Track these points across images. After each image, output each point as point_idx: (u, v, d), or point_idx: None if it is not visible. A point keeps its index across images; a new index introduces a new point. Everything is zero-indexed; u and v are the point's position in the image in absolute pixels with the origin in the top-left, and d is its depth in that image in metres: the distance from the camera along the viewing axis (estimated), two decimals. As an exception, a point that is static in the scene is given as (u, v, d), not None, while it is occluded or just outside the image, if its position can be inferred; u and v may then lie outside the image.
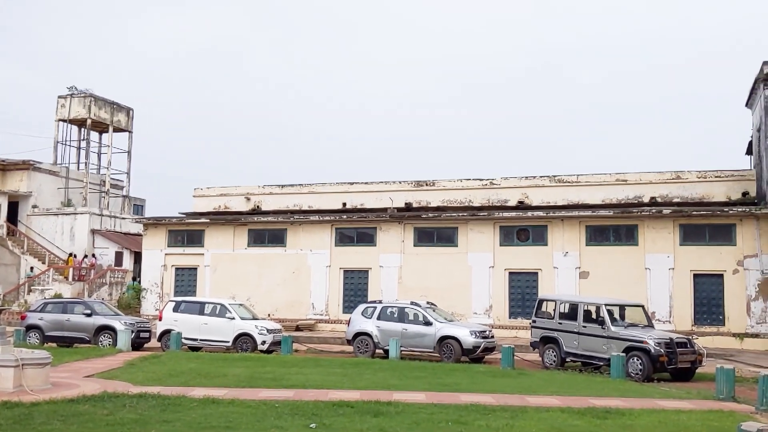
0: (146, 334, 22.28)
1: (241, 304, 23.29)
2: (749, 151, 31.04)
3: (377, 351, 20.57)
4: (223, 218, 31.90)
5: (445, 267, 28.36)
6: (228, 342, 21.35)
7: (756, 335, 24.83)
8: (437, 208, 29.73)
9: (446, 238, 28.90)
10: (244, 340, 21.21)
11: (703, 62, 74.68)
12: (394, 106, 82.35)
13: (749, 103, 29.24)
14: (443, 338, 19.78)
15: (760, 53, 67.27)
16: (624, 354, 16.30)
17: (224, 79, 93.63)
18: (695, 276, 25.84)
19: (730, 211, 25.55)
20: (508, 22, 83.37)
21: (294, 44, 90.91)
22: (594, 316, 18.15)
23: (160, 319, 22.40)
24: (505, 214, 28.05)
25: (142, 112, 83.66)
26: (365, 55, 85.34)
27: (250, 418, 9.66)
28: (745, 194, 26.82)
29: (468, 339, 19.58)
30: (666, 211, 26.16)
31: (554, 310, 19.15)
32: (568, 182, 28.72)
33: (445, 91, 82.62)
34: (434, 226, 29.10)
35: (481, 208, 29.06)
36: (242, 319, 21.66)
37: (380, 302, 21.92)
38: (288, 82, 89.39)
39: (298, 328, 27.95)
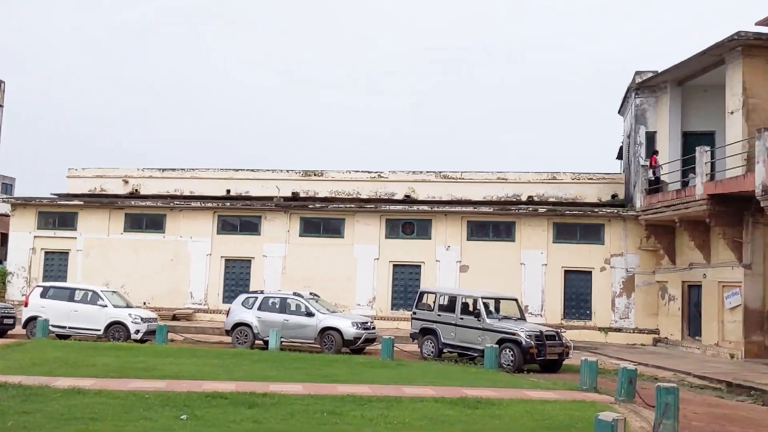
0: (10, 321, 21.03)
1: (114, 292, 22.40)
2: (620, 156, 32.93)
3: (257, 342, 20.31)
4: (99, 201, 30.46)
5: (330, 258, 28.39)
6: (99, 330, 20.46)
7: (619, 329, 26.43)
8: (325, 199, 29.67)
9: (333, 229, 28.91)
10: (116, 329, 20.37)
11: (584, 71, 78.52)
12: (286, 93, 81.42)
13: (621, 111, 30.99)
14: (325, 329, 19.79)
15: (635, 63, 71.45)
16: (497, 345, 16.89)
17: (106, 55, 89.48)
18: (566, 272, 27.20)
19: (600, 212, 27.03)
20: (413, 16, 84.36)
21: (184, 24, 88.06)
22: (471, 308, 18.71)
23: (26, 305, 21.14)
24: (392, 207, 28.40)
25: (14, 86, 78.48)
26: (259, 40, 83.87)
27: (117, 410, 9.27)
28: (614, 196, 28.42)
29: (349, 330, 19.69)
30: (541, 209, 27.34)
31: (434, 302, 19.59)
32: (453, 179, 29.41)
33: (342, 78, 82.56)
34: (321, 217, 29.04)
35: (368, 201, 29.27)
36: (115, 306, 20.82)
37: (262, 292, 21.65)
38: (179, 61, 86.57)
39: (175, 318, 27.16)
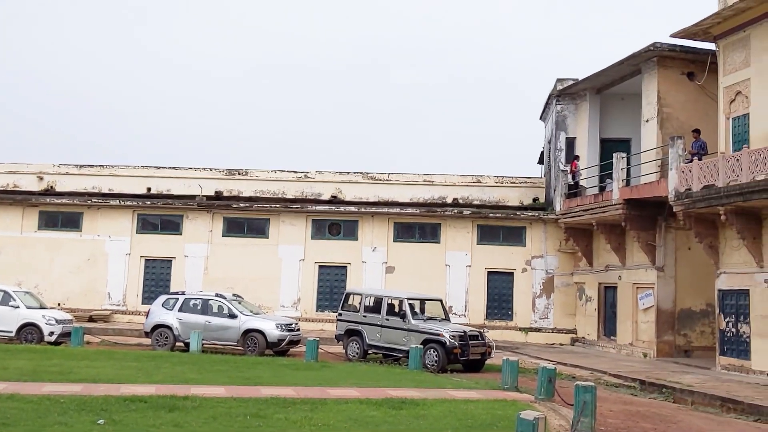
0: None
1: (27, 292, 21.47)
2: (541, 161, 33.79)
3: (178, 344, 19.84)
4: (11, 197, 29.13)
5: (254, 258, 28.04)
6: (11, 332, 19.57)
7: (539, 329, 27.13)
8: (249, 198, 29.25)
9: (257, 229, 28.57)
10: (29, 331, 19.55)
11: (510, 77, 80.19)
12: (208, 89, 79.93)
13: (543, 117, 31.82)
14: (248, 331, 19.52)
15: (556, 70, 73.38)
16: (422, 346, 17.05)
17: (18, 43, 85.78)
18: (489, 273, 27.75)
19: (522, 215, 27.68)
20: (335, 15, 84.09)
21: (96, 15, 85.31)
22: (397, 309, 18.81)
23: (-70, 307, 20.01)
24: (318, 208, 28.28)
25: None
26: (173, 34, 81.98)
27: (30, 414, 8.88)
28: (535, 200, 29.16)
29: (273, 332, 19.49)
30: (466, 212, 27.79)
31: (360, 303, 19.60)
32: (380, 180, 29.50)
33: (263, 78, 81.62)
34: (245, 217, 28.65)
35: (294, 201, 29.03)
36: (28, 307, 19.96)
37: (183, 293, 21.18)
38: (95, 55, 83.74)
39: (91, 319, 26.27)
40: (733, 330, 18.69)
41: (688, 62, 22.45)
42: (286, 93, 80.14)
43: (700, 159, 19.14)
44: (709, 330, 21.63)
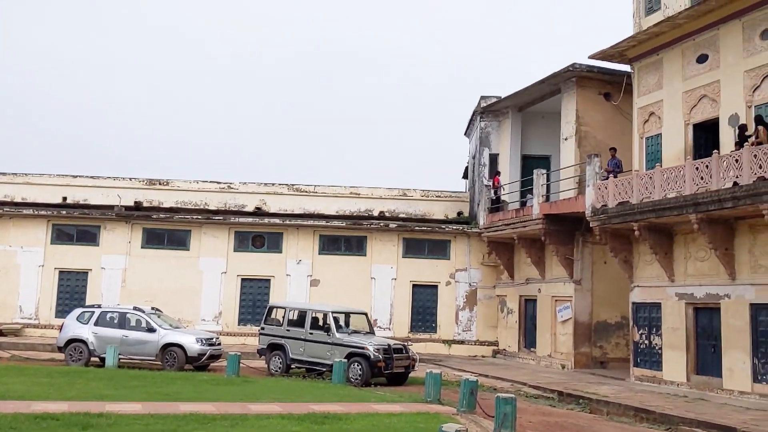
0: None
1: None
2: (465, 176, 34.37)
3: (93, 359, 19.11)
4: None
5: (175, 271, 27.35)
6: None
7: (462, 342, 27.48)
8: (170, 209, 28.54)
9: (178, 240, 27.90)
10: (-71, 347, 18.46)
11: (438, 93, 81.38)
12: (129, 96, 77.85)
13: (467, 133, 32.41)
14: (167, 345, 18.99)
15: (482, 87, 75.00)
16: (346, 360, 16.97)
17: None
18: (414, 286, 27.95)
19: (447, 229, 28.05)
20: (267, 19, 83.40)
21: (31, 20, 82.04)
22: (321, 323, 18.68)
23: None
24: (242, 220, 27.86)
25: None
26: (101, 39, 79.65)
27: (-73, 438, 8.36)
28: (459, 214, 29.59)
29: (193, 346, 19.03)
30: (392, 225, 27.95)
31: (283, 317, 19.38)
32: (306, 192, 29.33)
33: (186, 86, 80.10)
34: (165, 228, 27.94)
35: (217, 212, 28.51)
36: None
37: (99, 307, 20.45)
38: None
39: (1, 333, 25.03)
40: (646, 342, 19.39)
41: (605, 83, 23.32)
42: (211, 102, 78.87)
43: (615, 176, 19.85)
44: (624, 342, 22.38)
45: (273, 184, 29.43)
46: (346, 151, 79.41)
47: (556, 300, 23.72)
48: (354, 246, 28.18)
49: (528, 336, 25.62)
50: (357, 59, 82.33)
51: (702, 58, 18.40)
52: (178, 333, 19.50)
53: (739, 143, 16.17)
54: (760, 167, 14.85)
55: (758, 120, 16.13)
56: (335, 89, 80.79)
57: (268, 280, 27.75)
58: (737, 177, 15.41)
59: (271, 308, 20.23)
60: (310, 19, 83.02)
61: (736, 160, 15.51)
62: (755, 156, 14.98)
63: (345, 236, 28.19)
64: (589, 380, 19.42)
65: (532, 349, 25.07)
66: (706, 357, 17.61)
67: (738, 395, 16.06)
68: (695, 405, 14.95)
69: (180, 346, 18.98)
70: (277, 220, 27.88)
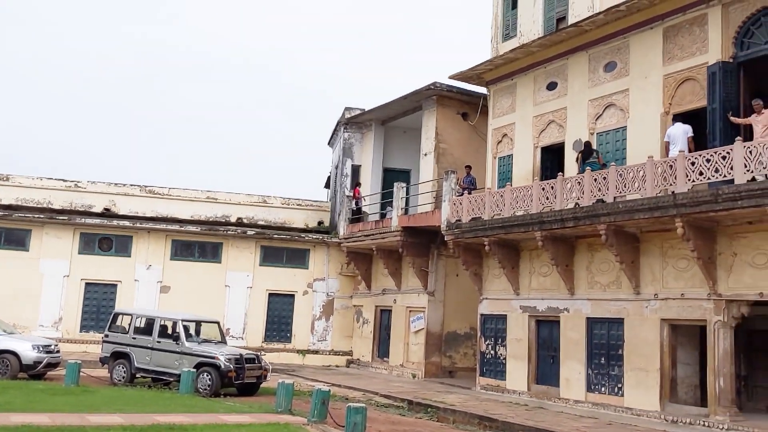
0: None
1: None
2: (327, 185, 34.49)
3: None
4: None
5: (11, 273, 25.36)
6: None
7: (316, 351, 27.43)
8: (8, 207, 26.43)
9: (16, 240, 25.94)
10: None
11: (302, 102, 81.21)
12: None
13: (331, 143, 32.56)
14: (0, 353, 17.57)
15: (346, 98, 75.59)
16: (195, 369, 16.44)
17: None
18: (270, 295, 27.58)
19: (306, 238, 27.95)
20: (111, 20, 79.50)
21: None
22: (170, 331, 18.00)
23: None
24: (89, 221, 26.32)
25: None
26: None
27: None
28: (320, 223, 29.60)
29: (29, 354, 17.73)
30: (250, 232, 27.46)
31: (130, 324, 18.49)
32: (159, 194, 28.19)
33: (32, 77, 74.94)
34: (3, 227, 25.87)
35: (61, 212, 26.74)
36: None
37: None
38: None
39: None
40: (492, 352, 20.24)
41: (464, 103, 24.25)
42: (60, 97, 74.26)
43: (470, 193, 20.64)
44: (472, 352, 23.23)
45: (124, 185, 28.06)
46: (208, 158, 77.45)
47: (410, 310, 24.24)
48: (209, 252, 27.40)
49: (382, 346, 26.00)
50: (223, 64, 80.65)
51: (552, 86, 19.56)
52: (12, 339, 18.10)
53: (581, 162, 17.32)
54: (599, 190, 15.96)
55: (587, 146, 17.38)
56: (202, 94, 78.64)
57: (115, 285, 26.38)
58: (579, 198, 16.47)
59: (116, 315, 19.25)
60: (171, 19, 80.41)
61: (579, 183, 16.58)
62: (595, 180, 16.08)
63: (199, 242, 27.35)
64: (438, 389, 19.96)
65: (385, 358, 25.45)
66: (546, 367, 18.62)
67: (573, 404, 17.09)
68: (535, 413, 15.75)
69: (13, 353, 17.62)
70: (126, 223, 26.60)
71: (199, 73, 79.68)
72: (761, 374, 16.22)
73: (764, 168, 12.82)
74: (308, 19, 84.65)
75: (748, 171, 13.03)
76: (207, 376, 16.71)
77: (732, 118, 14.53)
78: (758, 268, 13.80)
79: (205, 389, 16.51)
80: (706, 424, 14.06)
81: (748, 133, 14.17)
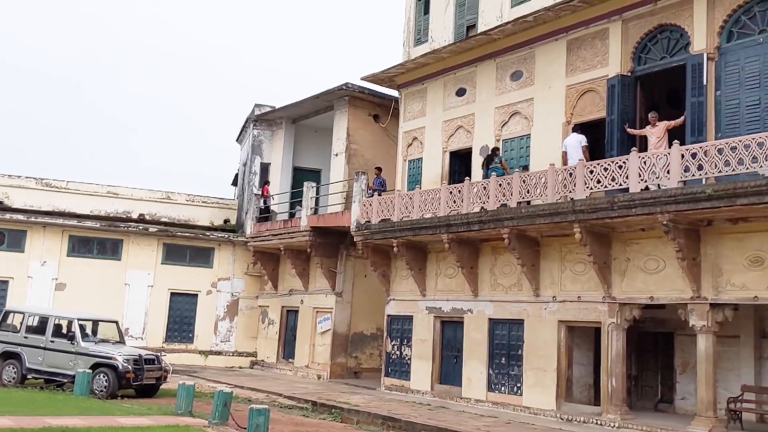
0: None
1: None
2: (235, 183, 33.90)
3: None
4: None
5: None
6: None
7: (219, 352, 26.89)
8: None
9: None
10: None
11: (207, 97, 79.46)
12: None
13: (240, 139, 32.03)
14: None
15: (256, 95, 74.67)
16: (91, 370, 15.82)
17: None
18: (173, 294, 26.82)
19: (212, 236, 27.36)
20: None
21: None
22: (65, 330, 17.24)
23: None
24: (-23, 214, 24.86)
25: None
26: None
27: None
28: (226, 221, 29.04)
29: None
30: (153, 229, 26.63)
31: (21, 323, 17.59)
32: (57, 188, 26.89)
33: None
34: None
35: (-53, 204, 25.14)
36: None
37: None
38: None
39: None
40: (398, 353, 20.43)
41: (375, 105, 24.39)
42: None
43: (380, 195, 20.77)
44: (378, 352, 23.38)
45: (18, 177, 26.64)
46: (114, 152, 74.71)
47: (317, 311, 24.14)
48: (108, 249, 26.38)
49: (287, 347, 25.77)
50: (126, 58, 77.98)
51: (461, 92, 19.95)
52: None
53: (486, 168, 17.77)
54: (504, 195, 16.40)
55: (493, 152, 17.85)
56: (100, 88, 75.71)
57: (6, 282, 25.00)
58: (485, 203, 16.87)
59: (7, 313, 18.26)
60: (87, 12, 77.09)
61: (485, 188, 16.98)
62: (500, 185, 16.51)
63: (98, 238, 26.30)
64: (343, 390, 19.97)
65: (290, 360, 25.24)
66: (449, 367, 18.97)
67: (474, 403, 17.48)
68: (437, 413, 16.00)
69: None
70: (20, 216, 25.24)
71: (109, 64, 76.78)
72: (650, 374, 17.10)
73: (657, 178, 13.52)
74: (227, 13, 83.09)
75: (642, 180, 13.72)
76: (104, 377, 16.09)
77: (628, 130, 15.26)
78: (649, 273, 14.53)
79: (102, 391, 15.91)
80: (599, 422, 14.69)
81: (643, 144, 14.93)
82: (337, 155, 24.43)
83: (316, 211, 24.13)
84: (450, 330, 19.15)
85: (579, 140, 15.89)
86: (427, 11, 21.52)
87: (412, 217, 18.73)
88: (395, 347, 20.55)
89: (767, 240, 12.81)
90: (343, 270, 23.62)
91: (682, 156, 13.11)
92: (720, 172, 12.60)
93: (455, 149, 20.03)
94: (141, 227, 26.57)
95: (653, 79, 16.00)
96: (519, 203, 15.97)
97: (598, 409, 15.23)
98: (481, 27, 19.33)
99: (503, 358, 17.33)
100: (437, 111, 20.61)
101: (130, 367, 16.24)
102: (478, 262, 18.25)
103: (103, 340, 17.63)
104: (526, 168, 17.27)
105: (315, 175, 27.14)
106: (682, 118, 14.48)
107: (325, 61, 78.81)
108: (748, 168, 12.20)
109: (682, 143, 13.62)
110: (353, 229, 20.79)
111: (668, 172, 13.27)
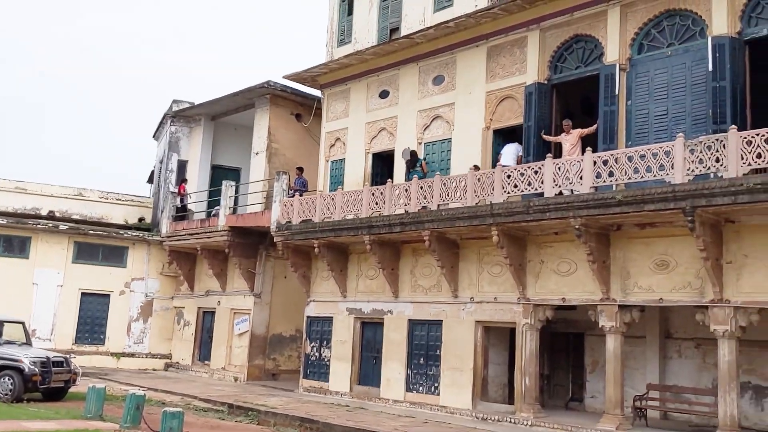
0: None
1: None
2: (151, 180, 32.99)
3: None
4: None
5: None
6: None
7: (132, 354, 26.10)
8: None
9: None
10: None
11: (124, 92, 77.05)
12: None
13: (156, 136, 31.20)
14: None
15: (174, 92, 72.90)
16: (-5, 374, 15.09)
17: None
18: (83, 295, 25.85)
19: (125, 235, 26.54)
20: None
21: None
22: (-34, 332, 16.37)
23: None
24: None
25: None
26: None
27: None
28: (141, 220, 28.23)
29: None
30: (63, 226, 25.60)
31: None
32: (-41, 182, 25.54)
33: None
34: None
35: None
36: None
37: None
38: None
39: None
40: (317, 354, 20.36)
41: (298, 104, 24.22)
42: None
43: (301, 195, 20.64)
44: (296, 354, 23.22)
45: None
46: (26, 147, 71.42)
47: (235, 313, 23.77)
48: (15, 247, 25.18)
49: (204, 349, 25.27)
50: (39, 48, 74.76)
51: (384, 94, 20.07)
52: None
53: (407, 170, 17.96)
54: (425, 197, 16.60)
55: (414, 155, 18.08)
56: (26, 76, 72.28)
57: None
58: (406, 205, 17.03)
59: None
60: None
61: (407, 190, 17.15)
62: (421, 188, 16.71)
63: (5, 235, 25.06)
64: (260, 392, 19.75)
65: (206, 362, 24.75)
66: (369, 368, 19.04)
67: (393, 403, 17.61)
68: (355, 414, 16.04)
69: None
70: None
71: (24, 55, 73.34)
72: (562, 374, 17.67)
73: (571, 183, 14.00)
74: (148, 8, 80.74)
75: (556, 185, 14.17)
76: (9, 380, 15.37)
77: (544, 136, 15.73)
78: (562, 275, 15.01)
79: (7, 394, 15.19)
80: (513, 420, 15.06)
81: (558, 151, 15.41)
82: (257, 154, 24.14)
83: (235, 211, 23.75)
84: (370, 331, 19.22)
85: (516, 150, 16.23)
86: (351, 12, 21.55)
87: (333, 218, 18.70)
88: (314, 349, 20.46)
89: (672, 245, 13.44)
90: (262, 271, 23.35)
91: (594, 163, 13.61)
92: (630, 178, 13.16)
93: (378, 151, 20.13)
94: (51, 224, 25.48)
95: (568, 88, 16.54)
96: (439, 206, 16.20)
97: (512, 407, 15.61)
98: (404, 30, 19.52)
99: (422, 359, 17.53)
100: (360, 112, 20.66)
101: (36, 369, 15.56)
102: (399, 264, 18.39)
103: (9, 342, 16.82)
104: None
105: (234, 173, 26.73)
106: (595, 126, 15.05)
107: (248, 60, 77.76)
108: (655, 175, 12.79)
109: (595, 150, 14.15)
110: (273, 229, 20.58)
111: (581, 178, 13.75)
